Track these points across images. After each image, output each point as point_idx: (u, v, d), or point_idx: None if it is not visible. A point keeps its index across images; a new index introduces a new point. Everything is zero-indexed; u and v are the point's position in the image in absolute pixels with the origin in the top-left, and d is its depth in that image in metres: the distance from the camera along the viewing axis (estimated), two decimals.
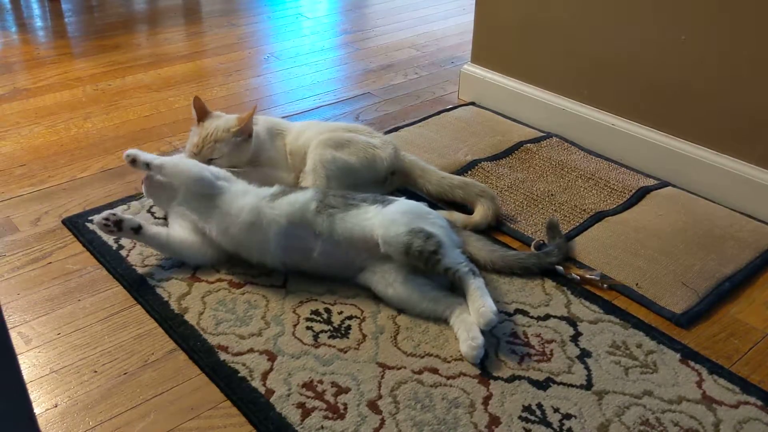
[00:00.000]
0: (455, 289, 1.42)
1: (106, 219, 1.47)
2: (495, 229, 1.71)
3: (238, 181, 1.57)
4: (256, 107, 1.75)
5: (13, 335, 1.37)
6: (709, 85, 1.81)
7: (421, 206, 1.51)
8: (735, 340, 1.40)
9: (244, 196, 1.50)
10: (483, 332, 1.33)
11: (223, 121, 1.73)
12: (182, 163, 1.56)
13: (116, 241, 1.62)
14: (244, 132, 1.71)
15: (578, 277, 1.53)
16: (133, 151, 1.57)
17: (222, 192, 1.51)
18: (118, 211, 1.54)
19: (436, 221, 1.47)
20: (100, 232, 1.62)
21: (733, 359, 1.36)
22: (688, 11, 1.79)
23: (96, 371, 1.29)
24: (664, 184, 1.91)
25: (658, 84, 1.92)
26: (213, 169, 1.58)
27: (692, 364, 1.32)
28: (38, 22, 3.22)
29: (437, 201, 1.77)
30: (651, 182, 1.91)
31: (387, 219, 1.43)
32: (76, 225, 1.69)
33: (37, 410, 1.21)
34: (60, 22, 3.22)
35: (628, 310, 1.47)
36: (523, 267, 1.54)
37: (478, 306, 1.33)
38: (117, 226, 1.48)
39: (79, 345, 1.35)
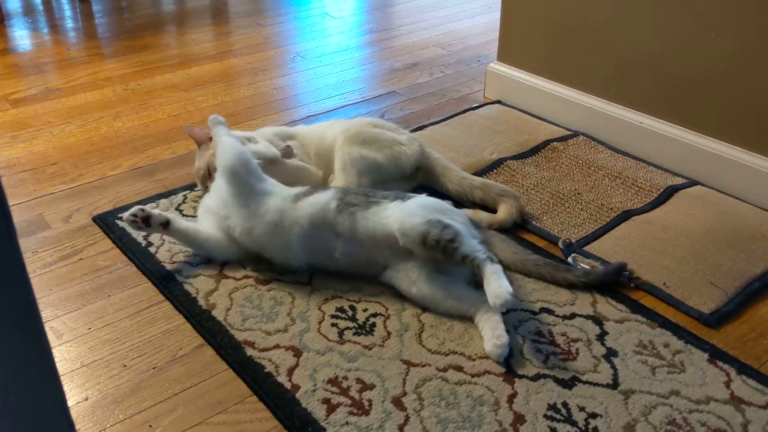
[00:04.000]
0: (479, 287, 1.41)
1: (134, 215, 1.49)
2: (521, 227, 1.71)
3: (266, 180, 1.57)
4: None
5: (46, 330, 1.40)
6: (738, 83, 1.78)
7: (442, 202, 1.51)
8: (764, 341, 1.38)
9: (270, 197, 1.50)
10: (507, 330, 1.33)
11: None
12: (229, 147, 1.56)
13: (145, 237, 1.64)
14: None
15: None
16: (218, 117, 1.65)
17: (252, 189, 1.51)
18: (147, 206, 1.55)
19: (455, 216, 1.47)
20: (129, 229, 1.65)
21: (762, 359, 1.34)
22: (717, 7, 1.77)
23: (125, 366, 1.32)
24: (692, 183, 1.89)
25: (686, 82, 1.89)
26: (253, 164, 1.56)
27: (720, 364, 1.31)
28: (69, 23, 3.28)
29: (459, 200, 1.77)
30: (679, 181, 1.89)
31: (405, 212, 1.43)
32: (106, 222, 1.71)
33: (68, 403, 1.24)
34: (90, 23, 3.27)
35: (656, 309, 1.45)
36: (539, 274, 1.52)
37: (494, 287, 1.30)
38: (145, 222, 1.50)
39: (108, 340, 1.38)
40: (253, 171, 1.53)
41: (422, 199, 1.48)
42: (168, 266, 1.56)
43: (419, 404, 1.22)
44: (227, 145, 1.56)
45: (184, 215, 1.74)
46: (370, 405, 1.22)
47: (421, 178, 1.81)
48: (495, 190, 1.74)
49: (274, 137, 1.81)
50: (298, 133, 1.87)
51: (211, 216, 1.56)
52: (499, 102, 2.40)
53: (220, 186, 1.54)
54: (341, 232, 1.46)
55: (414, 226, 1.39)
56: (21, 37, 3.05)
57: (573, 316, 1.43)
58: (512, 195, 1.73)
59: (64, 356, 1.34)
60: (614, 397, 1.24)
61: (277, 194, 1.51)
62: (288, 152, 1.75)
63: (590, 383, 1.27)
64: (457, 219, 1.45)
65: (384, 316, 1.42)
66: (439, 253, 1.38)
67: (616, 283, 1.51)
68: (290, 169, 1.73)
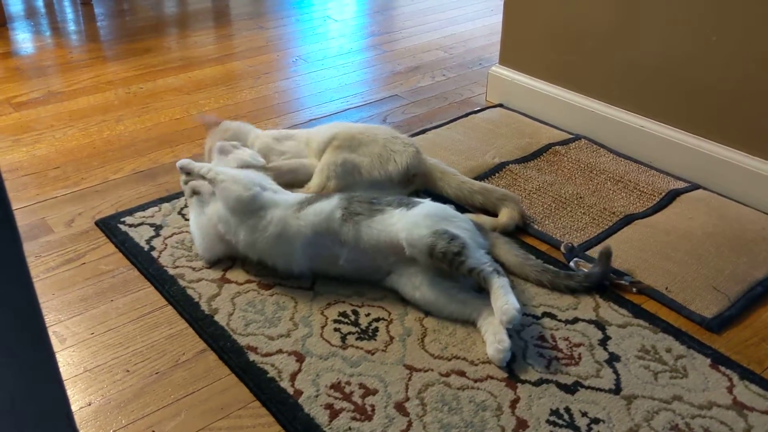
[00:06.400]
0: (482, 291, 1.42)
1: (183, 167, 1.66)
2: (523, 231, 1.71)
3: (268, 187, 1.56)
4: None
5: (49, 335, 1.40)
6: (740, 86, 1.78)
7: (447, 209, 1.51)
8: (767, 345, 1.38)
9: (271, 209, 1.49)
10: (510, 335, 1.33)
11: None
12: (230, 180, 1.53)
13: (147, 242, 1.64)
14: None
15: (607, 281, 1.52)
16: (185, 161, 1.67)
17: (257, 203, 1.50)
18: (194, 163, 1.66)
19: (461, 224, 1.46)
20: (132, 233, 1.67)
21: (765, 364, 1.34)
22: (718, 12, 1.77)
23: (128, 370, 1.32)
24: (694, 187, 1.89)
25: (688, 85, 1.90)
26: (254, 177, 1.56)
27: (723, 369, 1.31)
28: (71, 26, 3.28)
29: (459, 205, 1.77)
30: (681, 185, 1.89)
31: (410, 221, 1.43)
32: (108, 226, 1.72)
33: (71, 408, 1.24)
34: (92, 26, 3.28)
35: (658, 314, 1.45)
36: (539, 281, 1.52)
37: (501, 303, 1.32)
38: (188, 174, 1.66)
39: (111, 344, 1.38)
40: (258, 184, 1.53)
41: (427, 207, 1.48)
42: (170, 271, 1.56)
43: (422, 409, 1.22)
44: (225, 181, 1.52)
45: (186, 219, 1.74)
46: (373, 410, 1.22)
47: (419, 184, 1.81)
48: (495, 194, 1.74)
49: (272, 140, 1.83)
50: (296, 135, 1.89)
51: (208, 222, 1.57)
52: (501, 105, 2.41)
53: (220, 211, 1.54)
54: (346, 240, 1.46)
55: (421, 238, 1.39)
56: (23, 40, 3.06)
57: (575, 320, 1.43)
58: (512, 199, 1.73)
59: (67, 361, 1.34)
60: (617, 403, 1.24)
61: (280, 204, 1.51)
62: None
63: (593, 388, 1.27)
64: (462, 226, 1.45)
65: (387, 320, 1.42)
66: (446, 265, 1.39)
67: (618, 288, 1.52)
68: (284, 170, 1.75)
